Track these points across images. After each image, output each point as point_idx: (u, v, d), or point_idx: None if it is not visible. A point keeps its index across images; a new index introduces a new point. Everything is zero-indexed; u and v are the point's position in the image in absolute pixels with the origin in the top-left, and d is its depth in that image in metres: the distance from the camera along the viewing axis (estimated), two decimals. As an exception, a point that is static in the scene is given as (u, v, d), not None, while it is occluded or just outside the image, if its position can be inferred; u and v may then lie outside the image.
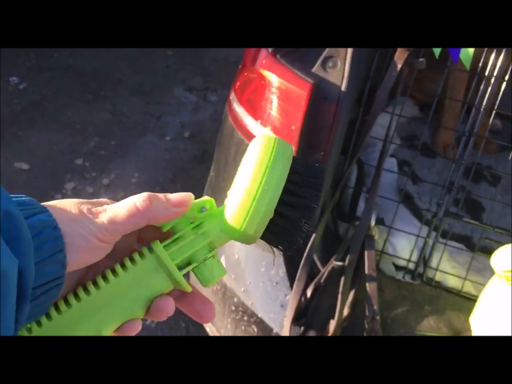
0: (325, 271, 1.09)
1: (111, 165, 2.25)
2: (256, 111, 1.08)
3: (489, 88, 1.10)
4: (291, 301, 1.07)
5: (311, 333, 1.08)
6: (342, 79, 1.00)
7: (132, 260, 0.39)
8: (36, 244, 0.33)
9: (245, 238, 0.40)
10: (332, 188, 1.13)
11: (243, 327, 1.17)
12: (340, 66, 1.00)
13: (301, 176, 0.40)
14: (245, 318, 1.17)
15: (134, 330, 0.39)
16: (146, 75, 2.76)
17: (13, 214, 0.32)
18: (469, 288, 1.20)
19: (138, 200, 0.38)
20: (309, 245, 1.07)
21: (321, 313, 1.08)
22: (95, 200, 0.39)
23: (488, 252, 1.02)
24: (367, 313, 1.06)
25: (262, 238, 0.40)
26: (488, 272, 1.01)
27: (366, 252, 1.11)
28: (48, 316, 0.37)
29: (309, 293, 1.08)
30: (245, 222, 0.38)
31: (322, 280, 1.09)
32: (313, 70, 1.01)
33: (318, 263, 1.11)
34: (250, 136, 1.07)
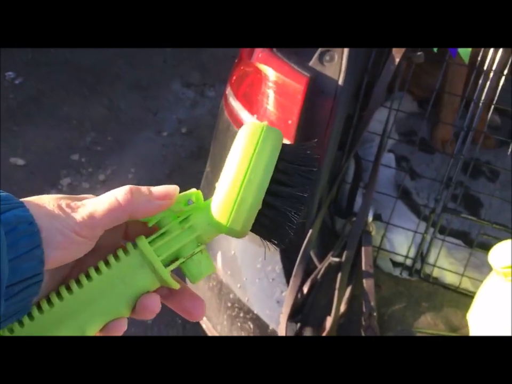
0: (321, 267, 1.08)
1: (108, 161, 2.23)
2: (252, 105, 1.06)
3: (488, 83, 1.09)
4: (287, 297, 1.06)
5: (308, 330, 1.07)
6: (339, 73, 0.99)
7: (116, 257, 0.38)
8: (10, 240, 0.32)
9: (234, 232, 0.38)
10: (329, 183, 1.12)
11: (239, 324, 1.17)
12: (337, 60, 0.99)
13: (290, 164, 0.38)
14: (241, 314, 1.16)
15: (120, 329, 0.38)
16: (143, 70, 2.74)
17: None
18: (466, 284, 1.19)
19: (119, 193, 0.37)
20: (306, 241, 1.06)
21: (318, 310, 1.07)
22: (76, 196, 0.38)
23: (486, 248, 1.01)
24: (364, 309, 1.05)
25: (252, 231, 0.38)
26: (486, 268, 1.00)
27: (363, 248, 1.10)
28: (30, 316, 0.36)
29: (305, 289, 1.07)
30: (232, 214, 0.37)
31: (319, 277, 1.08)
32: (310, 63, 1.00)
33: (315, 259, 1.10)
34: (246, 131, 1.06)
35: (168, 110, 2.55)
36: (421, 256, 1.22)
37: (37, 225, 0.33)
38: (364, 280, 1.07)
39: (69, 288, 0.37)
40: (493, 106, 1.15)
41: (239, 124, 1.09)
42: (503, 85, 1.11)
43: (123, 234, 0.41)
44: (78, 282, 0.37)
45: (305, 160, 0.39)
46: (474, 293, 1.05)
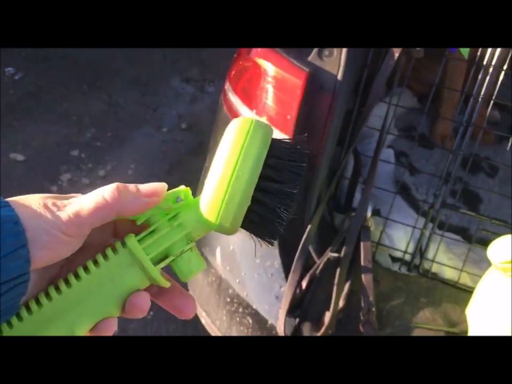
0: (320, 263, 1.08)
1: (107, 156, 2.23)
2: (251, 100, 1.06)
3: (488, 78, 1.09)
4: (286, 292, 1.06)
5: (306, 325, 1.07)
6: (338, 68, 0.98)
7: (105, 256, 0.37)
8: None
9: (223, 229, 0.38)
10: (327, 178, 1.12)
11: (238, 319, 1.17)
12: (336, 55, 0.98)
13: (280, 160, 0.38)
14: (240, 309, 1.16)
15: (110, 329, 0.37)
16: (143, 66, 2.74)
17: None
18: (465, 279, 1.19)
19: (106, 191, 0.36)
20: (304, 236, 1.06)
21: (317, 305, 1.07)
22: (63, 195, 0.37)
23: (485, 243, 1.01)
24: (362, 305, 1.06)
25: (242, 227, 0.38)
26: (485, 263, 1.00)
27: (362, 243, 1.10)
28: (19, 316, 0.35)
29: (304, 284, 1.07)
30: (221, 212, 0.36)
31: (317, 272, 1.08)
32: (309, 58, 0.99)
33: (314, 255, 1.10)
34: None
35: (168, 105, 2.54)
36: (420, 251, 1.22)
37: (22, 225, 0.33)
38: (363, 276, 1.07)
39: (57, 288, 0.36)
40: (492, 102, 1.14)
41: (238, 119, 1.08)
42: (502, 80, 1.11)
43: (112, 232, 0.41)
44: (67, 282, 0.37)
45: (295, 155, 0.38)
46: (473, 288, 1.05)
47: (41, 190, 2.05)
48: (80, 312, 0.36)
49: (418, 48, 1.07)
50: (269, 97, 1.02)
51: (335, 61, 0.98)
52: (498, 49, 1.07)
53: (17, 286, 0.33)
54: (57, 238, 0.34)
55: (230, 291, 1.17)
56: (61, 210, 0.35)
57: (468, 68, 1.42)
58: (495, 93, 1.12)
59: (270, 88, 1.01)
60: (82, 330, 0.36)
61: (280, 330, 1.06)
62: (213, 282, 1.22)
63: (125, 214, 0.37)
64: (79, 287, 0.36)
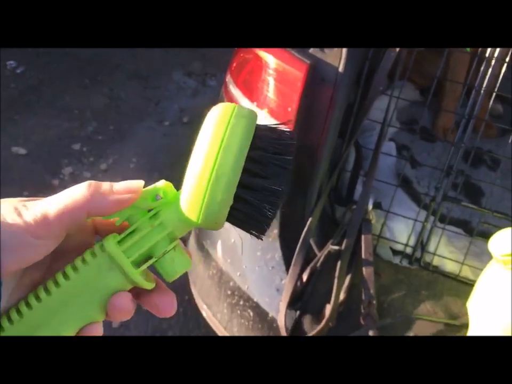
0: (321, 255, 1.08)
1: (109, 150, 2.23)
2: (252, 92, 1.06)
3: (490, 70, 1.08)
4: (287, 285, 1.06)
5: (307, 317, 1.08)
6: (340, 60, 0.98)
7: (83, 260, 0.35)
8: None
9: (207, 227, 0.35)
10: (329, 171, 1.12)
11: (239, 312, 1.17)
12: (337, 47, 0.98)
13: (264, 152, 0.35)
14: (241, 302, 1.16)
15: (94, 334, 0.36)
16: (144, 59, 2.73)
17: None
18: (466, 272, 1.19)
19: (76, 189, 0.34)
20: (305, 229, 1.06)
21: (317, 298, 1.07)
22: (39, 198, 0.35)
23: (487, 236, 1.01)
24: (363, 297, 1.06)
25: (229, 222, 0.36)
26: (486, 256, 0.99)
27: (363, 236, 1.10)
28: None
29: (305, 277, 1.07)
30: (202, 210, 0.34)
31: (318, 265, 1.08)
32: (310, 50, 0.99)
33: (314, 247, 1.10)
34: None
35: (170, 99, 2.54)
36: (421, 244, 1.22)
37: None
38: (364, 268, 1.07)
39: (37, 296, 0.35)
40: (494, 94, 1.14)
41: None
42: (505, 73, 1.10)
43: (94, 232, 0.39)
44: (46, 289, 0.35)
45: (281, 146, 0.35)
46: (474, 281, 1.05)
47: (43, 183, 2.05)
48: (62, 319, 0.35)
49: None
50: (270, 89, 1.01)
51: (337, 53, 0.98)
52: (501, 41, 1.06)
53: None
54: (26, 241, 0.32)
55: (231, 284, 1.18)
56: (28, 211, 0.33)
57: (470, 60, 1.41)
58: (497, 85, 1.12)
59: (271, 80, 1.01)
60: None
61: (281, 323, 1.06)
62: (214, 275, 1.22)
63: (98, 213, 0.35)
64: (58, 293, 0.35)
